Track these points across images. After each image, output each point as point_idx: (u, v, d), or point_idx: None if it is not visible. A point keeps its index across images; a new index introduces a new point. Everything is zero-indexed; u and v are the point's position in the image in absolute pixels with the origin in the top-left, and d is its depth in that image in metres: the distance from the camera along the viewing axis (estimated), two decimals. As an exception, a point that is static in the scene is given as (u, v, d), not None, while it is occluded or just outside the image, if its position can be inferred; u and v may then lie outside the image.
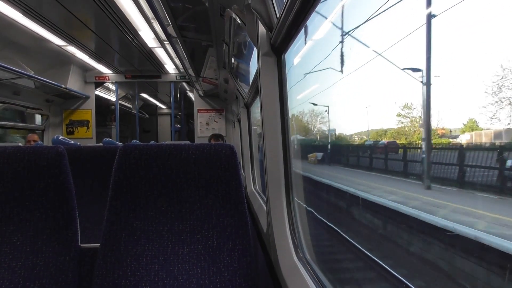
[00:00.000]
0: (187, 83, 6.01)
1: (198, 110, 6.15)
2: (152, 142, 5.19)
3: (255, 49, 1.42)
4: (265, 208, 1.39)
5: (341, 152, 3.14)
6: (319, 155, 3.47)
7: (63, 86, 4.76)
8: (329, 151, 3.22)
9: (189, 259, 0.95)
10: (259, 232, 1.67)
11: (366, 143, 2.46)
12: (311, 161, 3.43)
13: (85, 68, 5.31)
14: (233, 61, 2.88)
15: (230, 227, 0.97)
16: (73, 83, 5.05)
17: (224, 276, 0.94)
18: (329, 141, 3.10)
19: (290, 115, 1.27)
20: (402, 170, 2.18)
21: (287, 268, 1.10)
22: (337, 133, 3.07)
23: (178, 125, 9.45)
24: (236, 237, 0.97)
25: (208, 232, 0.97)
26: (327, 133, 3.10)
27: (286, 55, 1.23)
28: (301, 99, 2.81)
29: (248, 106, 3.12)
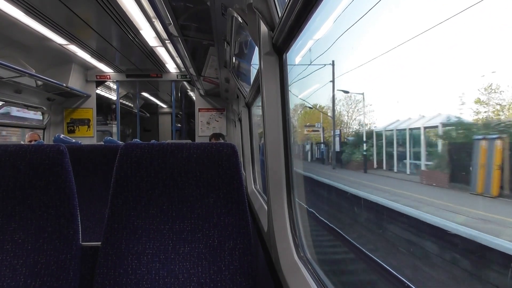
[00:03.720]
0: (188, 82, 6.01)
1: (199, 109, 6.14)
2: (153, 141, 5.21)
3: (256, 48, 1.42)
4: (266, 207, 1.39)
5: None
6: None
7: (64, 84, 4.77)
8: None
9: (190, 258, 0.95)
10: (260, 231, 1.67)
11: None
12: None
13: (86, 67, 5.31)
14: (234, 60, 2.87)
15: (231, 226, 0.97)
16: (74, 82, 5.06)
17: (225, 275, 0.94)
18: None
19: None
20: None
21: (287, 267, 1.10)
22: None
23: (179, 124, 9.45)
24: (237, 236, 0.97)
25: (209, 231, 0.97)
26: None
27: (288, 54, 1.23)
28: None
29: (249, 106, 3.11)
